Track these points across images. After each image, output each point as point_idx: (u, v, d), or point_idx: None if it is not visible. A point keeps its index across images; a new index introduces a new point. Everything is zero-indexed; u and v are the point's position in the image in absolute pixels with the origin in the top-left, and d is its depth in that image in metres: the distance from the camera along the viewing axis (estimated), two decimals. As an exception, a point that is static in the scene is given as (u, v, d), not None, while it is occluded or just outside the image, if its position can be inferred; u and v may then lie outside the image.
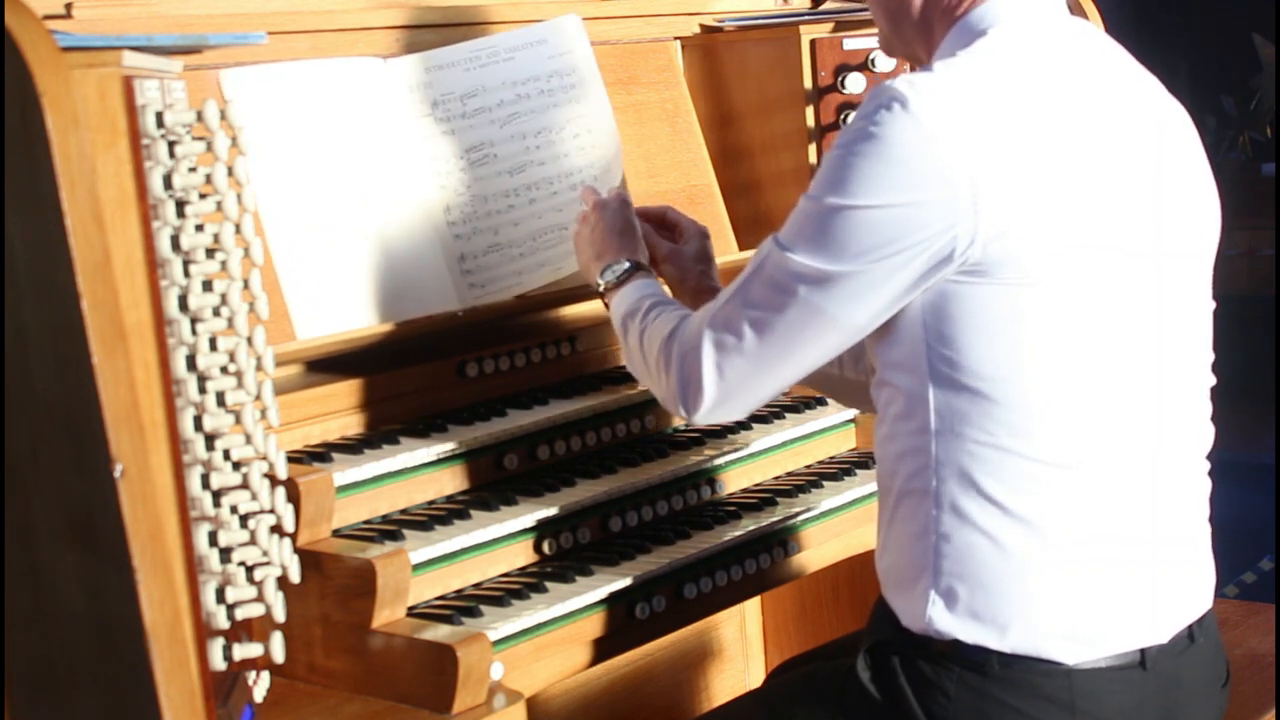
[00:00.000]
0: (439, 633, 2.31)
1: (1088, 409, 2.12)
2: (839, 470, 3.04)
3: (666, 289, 2.67)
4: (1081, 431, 2.12)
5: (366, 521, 2.55)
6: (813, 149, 3.36)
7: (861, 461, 3.08)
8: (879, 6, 2.38)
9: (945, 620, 2.16)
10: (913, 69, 2.38)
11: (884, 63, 3.35)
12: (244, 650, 2.03)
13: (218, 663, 1.97)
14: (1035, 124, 2.10)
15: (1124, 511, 2.16)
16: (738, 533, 2.75)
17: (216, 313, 2.00)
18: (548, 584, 2.53)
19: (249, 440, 2.05)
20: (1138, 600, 2.17)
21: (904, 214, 2.04)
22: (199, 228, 1.97)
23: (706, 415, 2.30)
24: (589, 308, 3.13)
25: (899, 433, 2.20)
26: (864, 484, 2.96)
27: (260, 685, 2.23)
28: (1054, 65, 2.18)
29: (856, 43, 3.35)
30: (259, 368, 2.08)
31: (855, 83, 3.34)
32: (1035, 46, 2.19)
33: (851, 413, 3.18)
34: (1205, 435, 2.30)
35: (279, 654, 2.08)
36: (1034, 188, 2.06)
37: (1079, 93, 2.17)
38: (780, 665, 2.88)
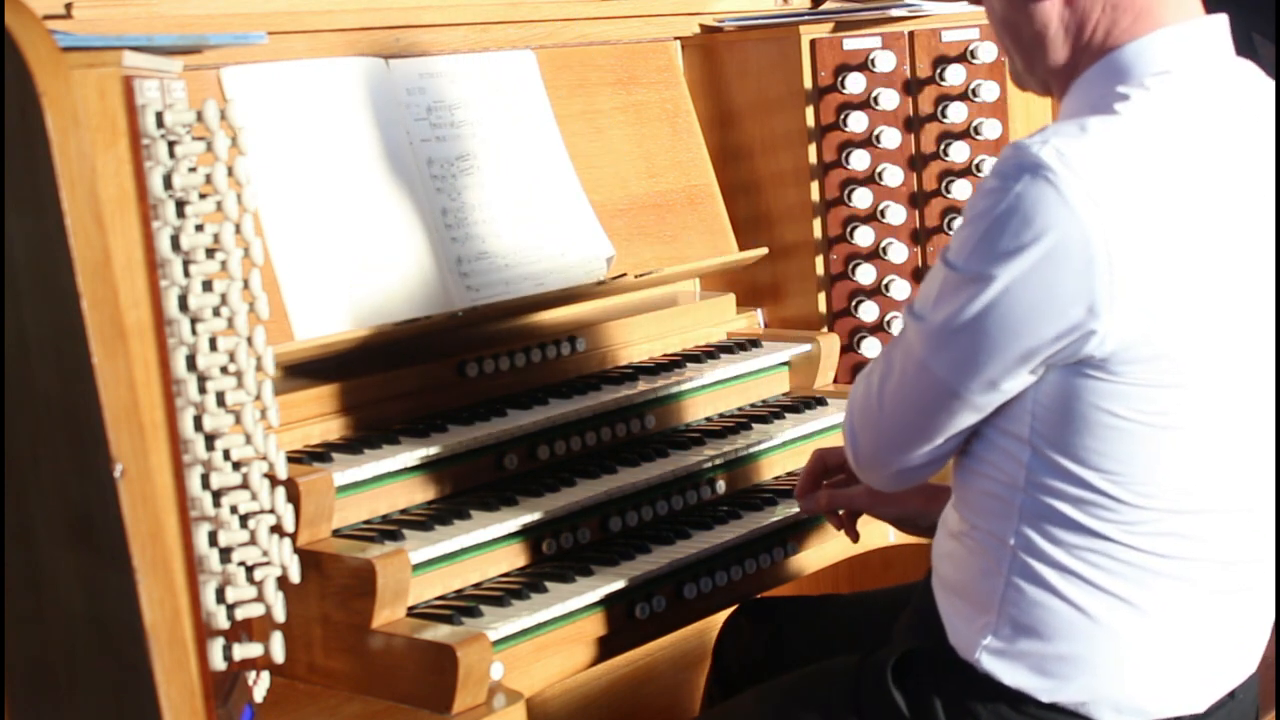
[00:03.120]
0: (439, 633, 2.31)
1: (1198, 507, 2.05)
2: (839, 470, 3.04)
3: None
4: (1190, 526, 2.06)
5: (366, 521, 2.55)
6: (813, 149, 3.36)
7: (861, 461, 3.08)
8: (1009, 34, 2.21)
9: (995, 664, 2.13)
10: (1050, 97, 2.23)
11: (885, 62, 3.35)
12: (244, 650, 2.03)
13: (218, 663, 1.97)
14: (1190, 210, 1.96)
15: (1218, 595, 2.11)
16: (738, 533, 2.75)
17: (216, 313, 2.00)
18: (548, 584, 2.53)
19: (249, 440, 2.05)
20: (1202, 675, 2.15)
21: (1036, 292, 1.93)
22: (199, 228, 1.96)
23: (860, 474, 2.28)
24: (589, 307, 3.14)
25: (986, 473, 2.13)
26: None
27: (260, 685, 2.23)
28: (1217, 133, 2.02)
29: (856, 43, 3.35)
30: (259, 368, 2.08)
31: (855, 83, 3.34)
32: (1199, 109, 2.02)
33: (851, 413, 3.18)
34: None
35: (279, 654, 2.08)
36: (1180, 283, 1.94)
37: (1241, 166, 2.03)
38: (739, 610, 2.83)
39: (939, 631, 2.21)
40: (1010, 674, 2.12)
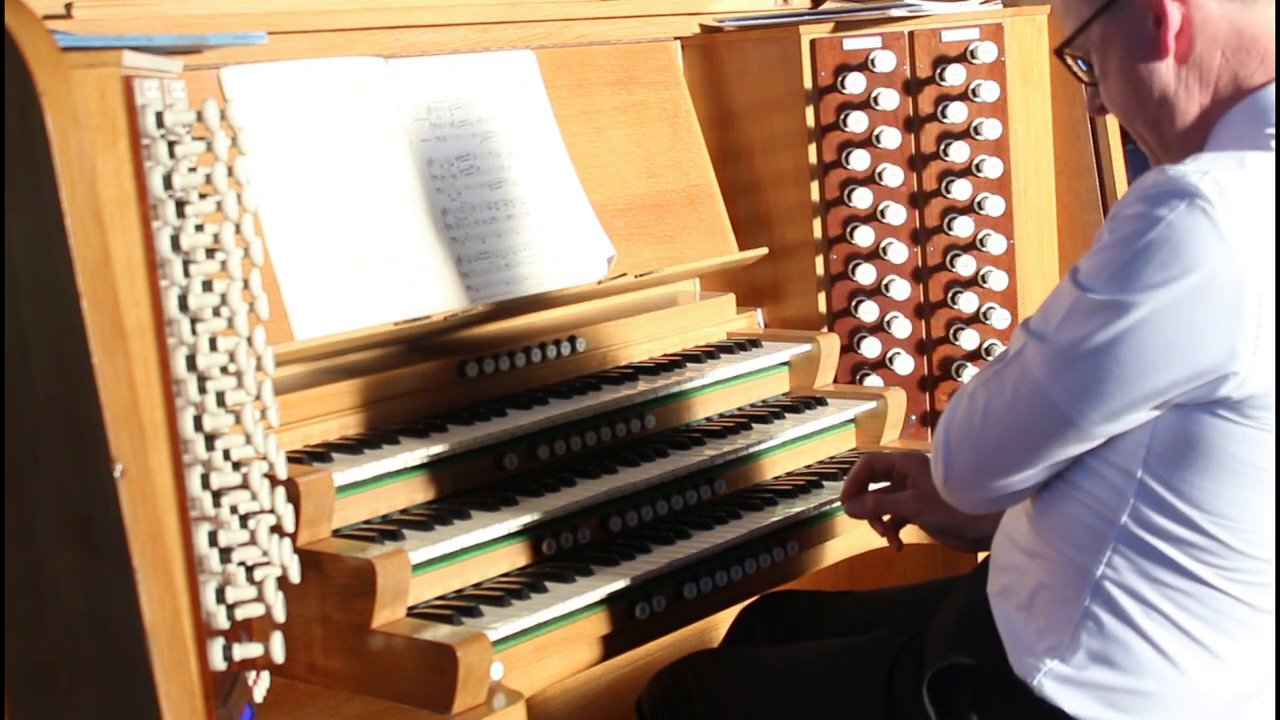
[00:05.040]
0: (439, 633, 2.31)
1: None
2: (839, 470, 3.04)
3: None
4: None
5: (366, 521, 2.55)
6: (813, 149, 3.36)
7: (861, 461, 3.08)
8: (1136, 114, 2.11)
9: (1057, 690, 2.09)
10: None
11: (884, 62, 3.35)
12: (244, 650, 2.03)
13: (218, 663, 1.97)
14: None
15: None
16: (738, 533, 2.75)
17: (216, 313, 2.00)
18: (548, 584, 2.53)
19: (249, 440, 2.05)
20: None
21: (1177, 328, 1.87)
22: (199, 228, 1.96)
23: (944, 492, 2.17)
24: (589, 307, 3.14)
25: (1080, 500, 2.07)
26: (864, 484, 2.96)
27: (260, 685, 2.23)
28: None
29: (856, 43, 3.35)
30: (259, 368, 2.08)
31: (855, 83, 3.34)
32: None
33: (851, 413, 3.18)
34: None
35: (279, 654, 2.08)
36: None
37: None
38: (751, 605, 2.82)
39: (988, 644, 2.17)
40: (1073, 702, 2.08)
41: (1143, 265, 1.87)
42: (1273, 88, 2.01)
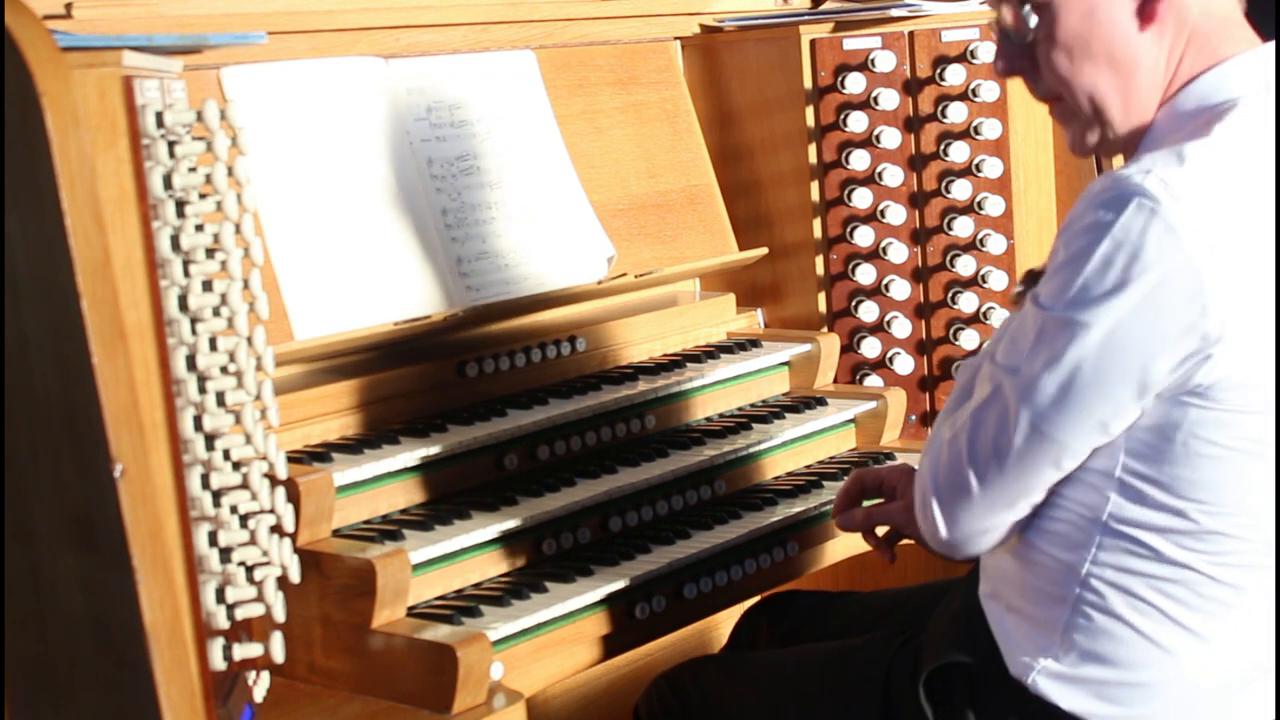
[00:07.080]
0: (439, 633, 2.31)
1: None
2: (839, 470, 3.04)
3: None
4: (1273, 559, 2.04)
5: (366, 521, 2.55)
6: (812, 149, 3.36)
7: (862, 461, 3.08)
8: (1093, 73, 2.09)
9: (1052, 687, 2.10)
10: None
11: (885, 62, 3.35)
12: (244, 650, 2.03)
13: (218, 663, 1.97)
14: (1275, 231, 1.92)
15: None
16: (738, 533, 2.75)
17: (216, 313, 1.99)
18: (548, 584, 2.53)
19: (249, 440, 2.05)
20: (1249, 708, 2.14)
21: (1145, 327, 1.90)
22: (199, 228, 1.96)
23: (945, 549, 2.16)
24: (589, 307, 3.14)
25: (1061, 504, 2.08)
26: (864, 484, 2.96)
27: (260, 685, 2.23)
28: None
29: (856, 43, 3.35)
30: (259, 368, 2.08)
31: (855, 83, 3.34)
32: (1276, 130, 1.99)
33: (851, 413, 3.18)
34: None
35: (279, 654, 2.08)
36: (1268, 306, 1.92)
37: None
38: (756, 605, 2.84)
39: (984, 645, 2.18)
40: (1068, 698, 2.10)
41: (1102, 273, 1.90)
42: (1210, 75, 2.03)
